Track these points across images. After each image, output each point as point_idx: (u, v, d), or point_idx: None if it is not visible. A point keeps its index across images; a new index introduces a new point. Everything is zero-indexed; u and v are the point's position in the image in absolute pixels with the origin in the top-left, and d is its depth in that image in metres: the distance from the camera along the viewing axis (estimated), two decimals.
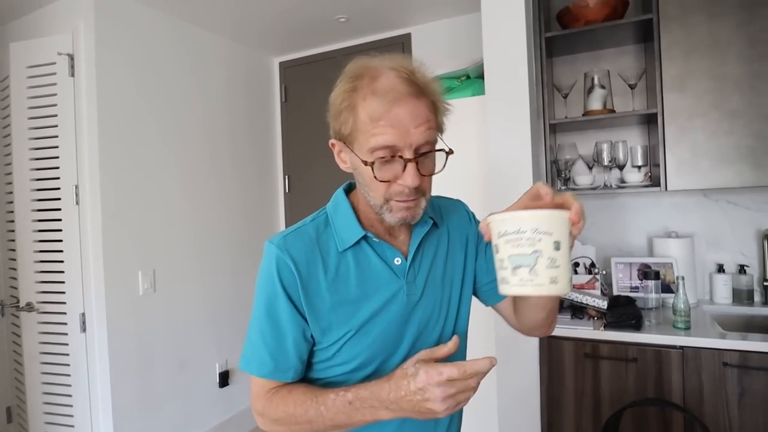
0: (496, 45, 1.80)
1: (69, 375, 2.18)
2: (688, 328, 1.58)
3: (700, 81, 1.73)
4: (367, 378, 0.74)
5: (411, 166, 0.67)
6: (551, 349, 1.70)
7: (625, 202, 2.14)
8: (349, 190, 0.82)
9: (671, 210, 2.06)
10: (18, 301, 2.27)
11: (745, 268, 1.86)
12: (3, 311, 2.53)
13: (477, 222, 0.90)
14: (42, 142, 2.13)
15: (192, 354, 2.45)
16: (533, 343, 1.73)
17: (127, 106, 2.19)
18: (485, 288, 0.88)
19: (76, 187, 2.11)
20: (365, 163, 0.68)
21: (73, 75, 2.08)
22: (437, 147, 0.71)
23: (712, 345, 1.49)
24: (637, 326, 1.61)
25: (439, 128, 0.73)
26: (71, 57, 2.07)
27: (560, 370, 1.70)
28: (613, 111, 1.95)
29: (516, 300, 0.84)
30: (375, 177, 0.68)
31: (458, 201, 0.94)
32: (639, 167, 2.00)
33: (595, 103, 1.96)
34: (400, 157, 0.67)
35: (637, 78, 1.94)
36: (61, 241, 2.15)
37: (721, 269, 1.91)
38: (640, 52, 2.08)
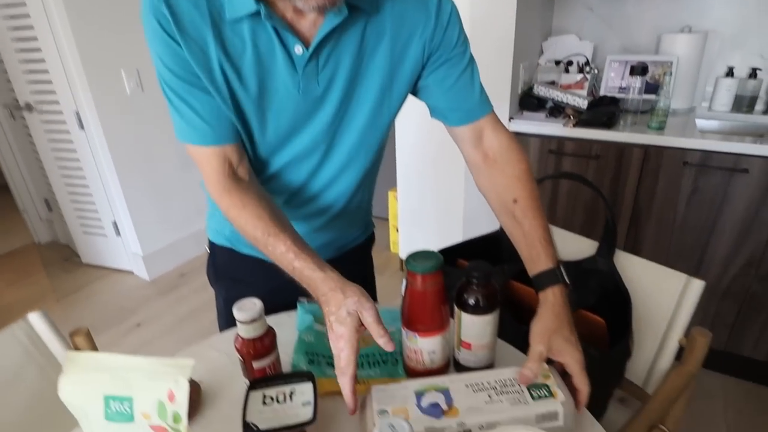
0: None
1: (82, 169, 2.39)
2: (661, 128, 1.51)
3: None
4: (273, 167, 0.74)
5: None
6: None
7: None
8: None
9: (694, 1, 1.75)
10: (18, 103, 2.37)
11: (757, 71, 1.66)
12: (13, 114, 2.67)
13: (451, 24, 0.70)
14: None
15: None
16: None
17: None
18: (443, 110, 0.76)
19: None
20: None
21: None
22: None
23: (676, 144, 1.44)
24: (608, 124, 1.55)
25: None
26: None
27: None
28: None
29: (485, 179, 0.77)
30: None
31: None
32: None
33: None
34: None
35: None
36: (35, 39, 2.11)
37: (730, 73, 1.71)
38: None
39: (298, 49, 0.64)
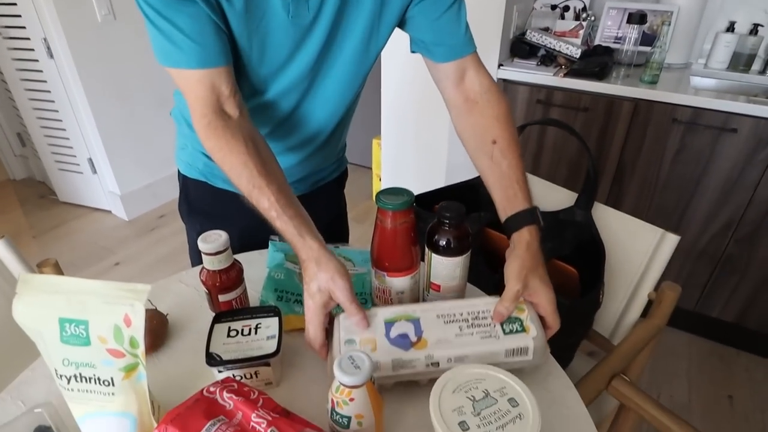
0: None
1: (53, 101, 2.28)
2: (654, 82, 1.47)
3: None
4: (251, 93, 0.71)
5: None
6: (505, 92, 1.65)
7: None
8: None
9: None
10: None
11: (758, 27, 1.60)
12: None
13: None
14: None
15: (171, 91, 2.48)
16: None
17: None
18: (428, 45, 0.74)
19: None
20: None
21: None
22: None
23: (667, 99, 1.41)
24: (600, 75, 1.50)
25: None
26: None
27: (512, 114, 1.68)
28: None
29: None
30: None
31: None
32: None
33: None
34: None
35: None
36: None
37: (731, 28, 1.65)
38: None
39: None
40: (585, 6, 1.79)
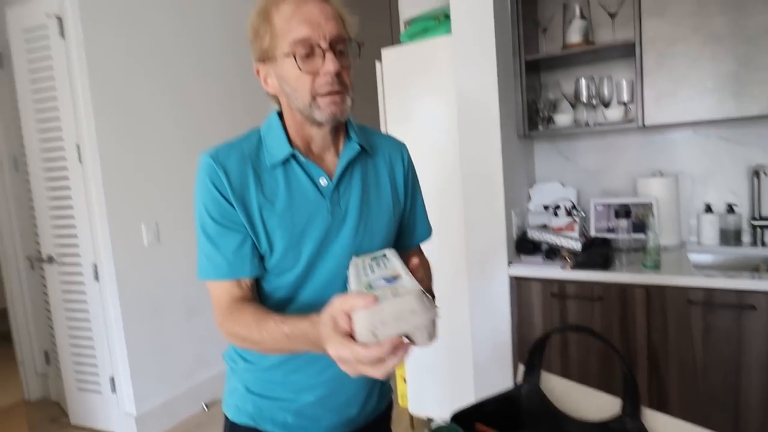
0: None
1: (89, 321, 2.40)
2: (656, 267, 1.55)
3: (681, 3, 1.60)
4: (294, 288, 0.81)
5: (329, 54, 0.73)
6: (520, 289, 1.72)
7: (612, 142, 2.05)
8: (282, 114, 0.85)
9: (660, 149, 1.96)
10: (41, 255, 2.50)
11: (733, 207, 1.77)
12: (32, 265, 2.79)
13: (412, 169, 0.95)
14: (44, 104, 2.27)
15: (198, 301, 2.62)
16: (503, 284, 1.74)
17: (119, 64, 2.27)
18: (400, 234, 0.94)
19: (78, 146, 2.24)
20: (288, 55, 0.74)
21: (63, 36, 2.17)
22: (348, 40, 0.77)
23: (676, 283, 1.46)
24: (605, 265, 1.59)
25: (348, 31, 0.79)
26: (59, 18, 2.15)
27: (529, 311, 1.71)
28: (592, 43, 1.84)
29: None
30: (299, 68, 0.73)
31: (401, 143, 0.95)
32: (625, 104, 1.90)
33: (574, 36, 1.85)
34: (319, 46, 0.73)
35: (618, 6, 1.81)
36: (70, 198, 2.32)
37: (709, 209, 1.83)
38: None
39: (323, 181, 0.80)
40: (574, 204, 2.00)
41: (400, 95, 2.03)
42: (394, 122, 2.06)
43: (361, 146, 0.84)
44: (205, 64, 2.71)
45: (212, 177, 0.76)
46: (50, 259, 2.45)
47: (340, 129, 0.84)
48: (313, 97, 0.75)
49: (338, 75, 0.75)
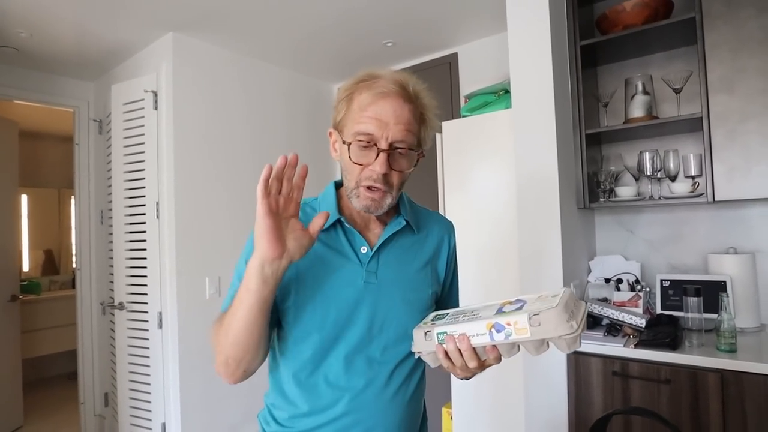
0: (521, 56, 1.82)
1: (149, 366, 2.51)
2: (732, 350, 1.43)
3: (751, 79, 1.59)
4: (322, 349, 0.82)
5: (382, 156, 0.77)
6: (578, 365, 1.64)
7: (680, 216, 1.98)
8: (340, 185, 0.90)
9: (733, 225, 1.86)
10: (113, 301, 2.69)
11: None
12: (104, 310, 2.99)
13: (455, 250, 0.98)
14: (133, 166, 2.53)
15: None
16: (561, 358, 1.67)
17: (200, 133, 2.52)
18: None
19: (157, 203, 2.46)
20: (344, 142, 0.80)
21: (156, 108, 2.45)
22: (412, 147, 0.81)
23: (754, 370, 1.34)
24: (673, 345, 1.49)
25: (420, 140, 0.84)
26: (155, 93, 2.45)
27: (588, 388, 1.62)
28: (656, 117, 1.84)
29: None
30: (350, 157, 0.79)
31: (449, 222, 1.00)
32: (693, 177, 1.85)
33: (637, 110, 1.87)
34: (375, 145, 0.77)
35: (683, 82, 1.82)
36: (145, 249, 2.52)
37: None
38: (692, 54, 1.94)
39: (363, 249, 0.84)
40: (637, 278, 1.91)
41: (459, 166, 2.09)
42: (451, 191, 2.11)
43: (407, 222, 0.88)
44: (275, 142, 2.95)
45: None
46: (121, 306, 2.62)
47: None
48: (357, 185, 0.80)
49: (385, 175, 0.78)
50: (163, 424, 2.47)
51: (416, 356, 0.83)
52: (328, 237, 0.84)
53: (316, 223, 0.74)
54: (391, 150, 0.78)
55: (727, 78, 1.62)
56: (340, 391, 0.82)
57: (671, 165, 1.86)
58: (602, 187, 1.95)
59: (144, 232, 2.51)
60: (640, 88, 1.90)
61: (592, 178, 1.95)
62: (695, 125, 1.80)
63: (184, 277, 2.43)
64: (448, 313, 0.83)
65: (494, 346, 0.73)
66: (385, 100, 0.78)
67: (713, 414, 1.40)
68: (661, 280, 1.81)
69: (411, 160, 0.82)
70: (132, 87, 2.52)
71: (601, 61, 2.11)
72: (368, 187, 0.79)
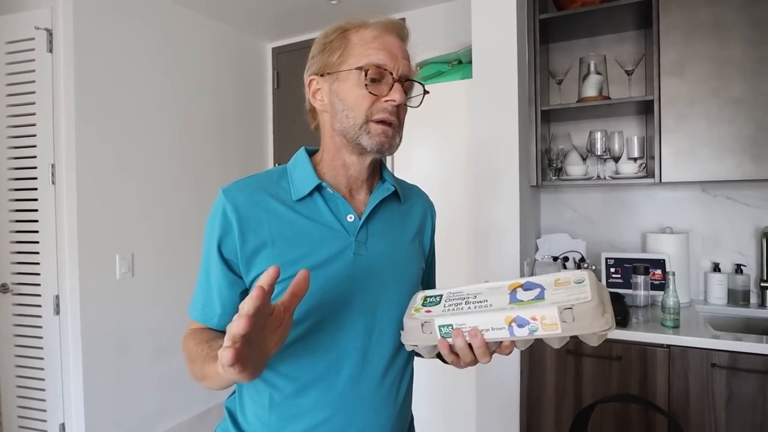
0: (484, 27, 1.72)
1: (42, 359, 2.13)
2: (676, 326, 1.50)
3: (700, 65, 1.63)
4: (309, 335, 0.71)
5: (398, 85, 0.72)
6: (532, 345, 1.62)
7: (620, 195, 2.04)
8: (311, 153, 0.82)
9: (668, 205, 1.96)
10: None
11: (741, 267, 1.77)
12: None
13: (434, 230, 0.93)
14: (19, 119, 2.08)
15: (170, 342, 2.39)
16: None
17: (106, 86, 2.13)
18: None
19: (53, 166, 2.05)
20: (360, 69, 0.71)
21: (51, 51, 2.02)
22: (416, 84, 0.78)
23: (700, 345, 1.41)
24: (623, 323, 1.53)
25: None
26: (49, 32, 2.01)
27: (541, 367, 1.62)
28: (608, 98, 1.86)
29: None
30: (366, 85, 0.71)
31: (431, 200, 0.95)
32: (635, 159, 1.90)
33: (590, 90, 1.87)
34: (390, 74, 0.71)
35: (634, 64, 1.84)
36: (36, 221, 2.10)
37: (716, 268, 1.82)
38: (641, 38, 1.98)
39: (350, 218, 0.75)
40: (583, 256, 1.95)
41: (407, 136, 1.97)
42: (399, 162, 2.00)
43: (394, 187, 0.81)
44: (197, 103, 2.60)
45: (222, 221, 0.72)
46: (5, 288, 2.19)
47: (375, 170, 0.81)
48: (367, 121, 0.72)
49: (397, 107, 0.73)
50: (62, 425, 2.12)
51: (408, 348, 0.70)
52: (304, 207, 0.74)
53: (267, 277, 0.54)
54: (403, 82, 0.74)
55: (679, 62, 1.66)
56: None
57: (616, 146, 1.90)
58: (554, 165, 1.94)
59: (35, 200, 2.09)
60: (593, 68, 1.90)
61: (544, 156, 1.93)
62: (641, 108, 1.85)
63: (87, 254, 2.07)
64: (441, 295, 0.72)
65: (512, 341, 0.63)
66: (390, 34, 0.74)
67: (660, 388, 1.45)
68: (606, 259, 1.86)
69: (414, 101, 0.79)
70: (19, 22, 2.05)
71: (552, 38, 2.09)
72: (380, 121, 0.72)
